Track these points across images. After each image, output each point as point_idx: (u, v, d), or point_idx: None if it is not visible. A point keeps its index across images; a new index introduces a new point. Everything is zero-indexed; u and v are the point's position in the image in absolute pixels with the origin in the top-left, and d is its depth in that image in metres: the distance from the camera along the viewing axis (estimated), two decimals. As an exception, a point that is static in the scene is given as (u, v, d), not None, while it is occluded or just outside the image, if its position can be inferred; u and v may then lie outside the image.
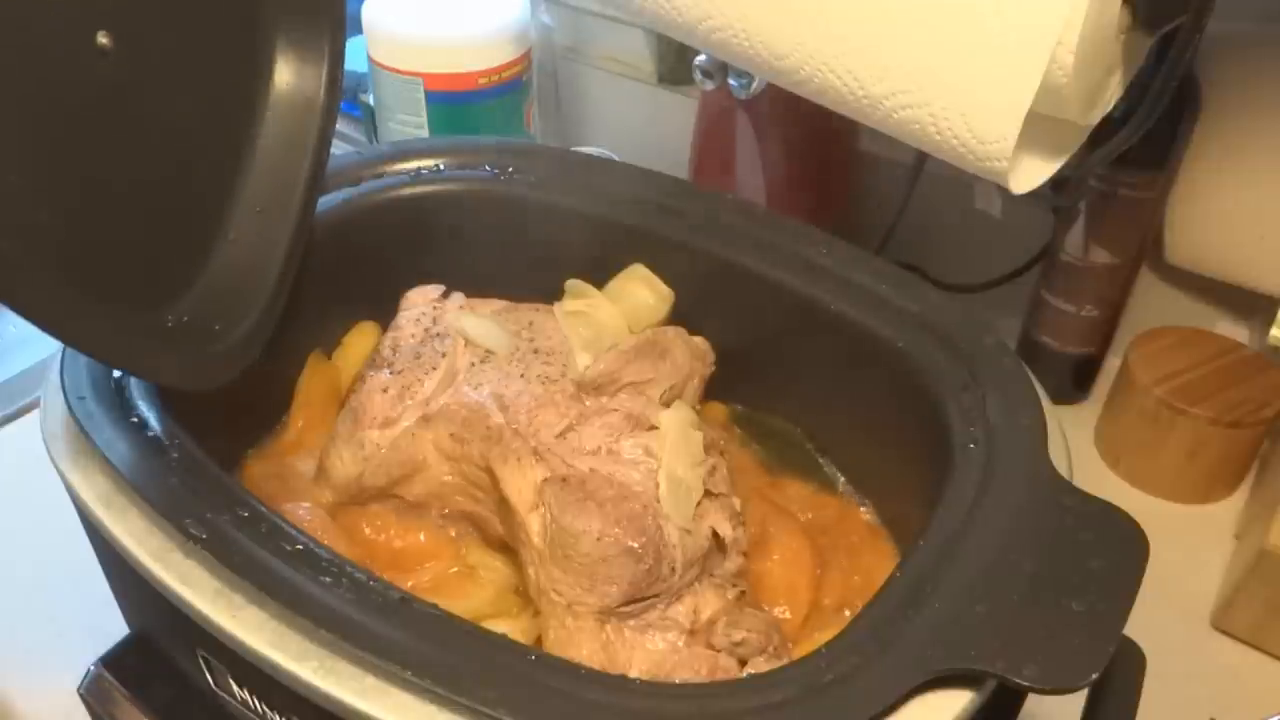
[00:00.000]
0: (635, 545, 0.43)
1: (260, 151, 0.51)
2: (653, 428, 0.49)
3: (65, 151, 0.40)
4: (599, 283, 0.57)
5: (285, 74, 0.51)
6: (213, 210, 0.49)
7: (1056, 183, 0.53)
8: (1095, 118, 0.50)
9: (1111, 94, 0.49)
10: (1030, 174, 0.49)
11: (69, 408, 0.43)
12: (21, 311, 0.35)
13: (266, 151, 0.51)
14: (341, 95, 0.54)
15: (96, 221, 0.42)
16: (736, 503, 0.49)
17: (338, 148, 0.56)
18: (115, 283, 0.42)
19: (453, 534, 0.52)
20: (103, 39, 0.41)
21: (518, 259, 0.59)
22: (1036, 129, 0.47)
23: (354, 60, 0.72)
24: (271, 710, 0.41)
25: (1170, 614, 0.60)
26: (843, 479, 0.56)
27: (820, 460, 0.57)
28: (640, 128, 0.94)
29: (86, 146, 0.41)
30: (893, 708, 0.34)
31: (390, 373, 0.53)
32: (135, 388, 0.45)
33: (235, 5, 0.49)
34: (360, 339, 0.59)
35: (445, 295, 0.58)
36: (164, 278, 0.46)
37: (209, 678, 0.43)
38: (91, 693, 0.48)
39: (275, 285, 0.50)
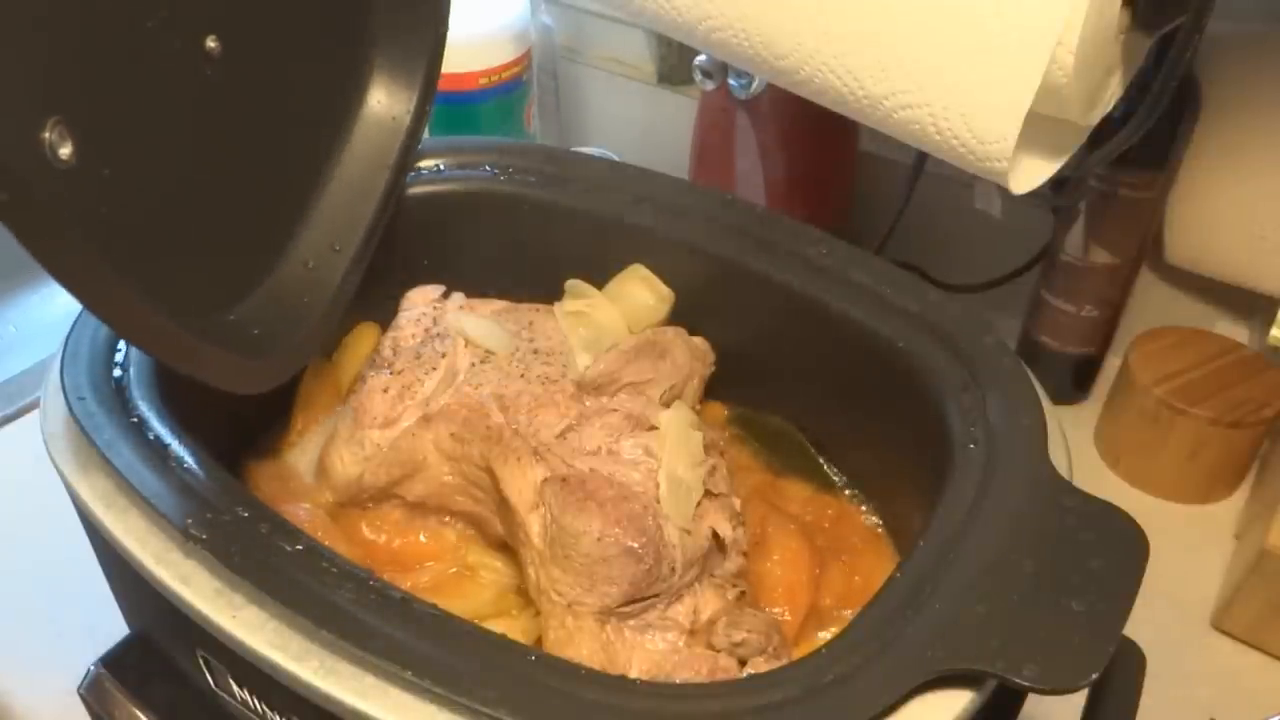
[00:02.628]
0: (635, 545, 0.43)
1: (341, 167, 0.51)
2: (653, 428, 0.49)
3: (157, 148, 0.40)
4: (599, 283, 0.57)
5: (378, 94, 0.51)
6: (285, 220, 0.49)
7: (1056, 183, 0.53)
8: (1095, 118, 0.50)
9: (1111, 94, 0.49)
10: (1030, 174, 0.49)
11: (69, 408, 0.43)
12: (86, 305, 0.35)
13: (347, 168, 0.51)
14: (428, 121, 0.53)
15: (172, 220, 0.42)
16: (736, 503, 0.48)
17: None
18: (180, 282, 0.42)
19: (453, 534, 0.52)
20: (211, 43, 0.41)
21: (518, 259, 0.59)
22: (1036, 129, 0.47)
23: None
24: (271, 710, 0.41)
25: (1170, 614, 0.60)
26: (843, 479, 0.56)
27: (820, 460, 0.57)
28: (640, 128, 0.94)
29: (177, 145, 0.41)
30: (893, 708, 0.34)
31: (390, 373, 0.53)
32: (135, 388, 0.45)
33: (342, 22, 0.49)
34: (360, 339, 0.59)
35: (445, 295, 0.58)
36: (228, 282, 0.46)
37: (209, 678, 0.43)
38: (91, 693, 0.48)
39: (335, 294, 0.50)
